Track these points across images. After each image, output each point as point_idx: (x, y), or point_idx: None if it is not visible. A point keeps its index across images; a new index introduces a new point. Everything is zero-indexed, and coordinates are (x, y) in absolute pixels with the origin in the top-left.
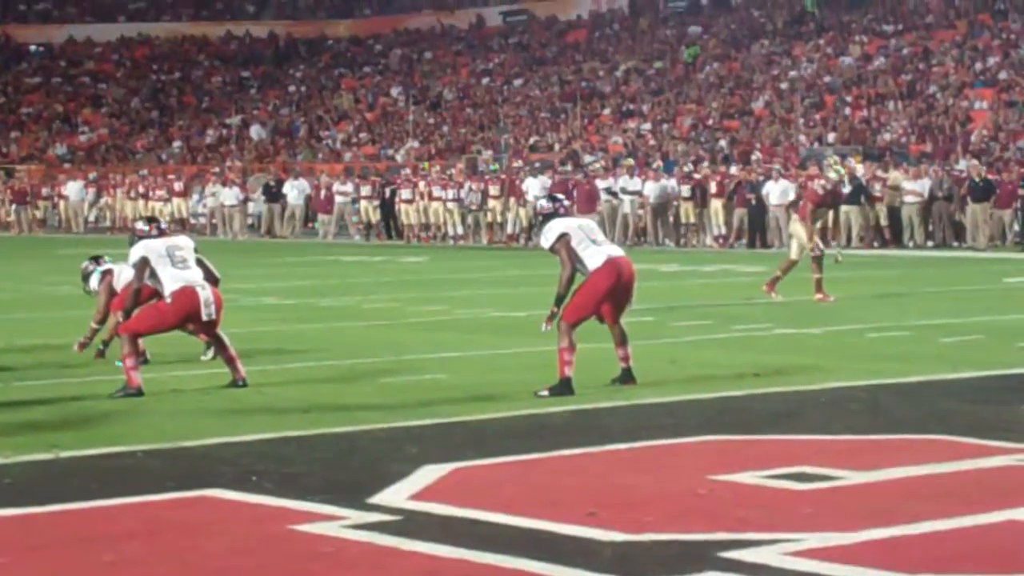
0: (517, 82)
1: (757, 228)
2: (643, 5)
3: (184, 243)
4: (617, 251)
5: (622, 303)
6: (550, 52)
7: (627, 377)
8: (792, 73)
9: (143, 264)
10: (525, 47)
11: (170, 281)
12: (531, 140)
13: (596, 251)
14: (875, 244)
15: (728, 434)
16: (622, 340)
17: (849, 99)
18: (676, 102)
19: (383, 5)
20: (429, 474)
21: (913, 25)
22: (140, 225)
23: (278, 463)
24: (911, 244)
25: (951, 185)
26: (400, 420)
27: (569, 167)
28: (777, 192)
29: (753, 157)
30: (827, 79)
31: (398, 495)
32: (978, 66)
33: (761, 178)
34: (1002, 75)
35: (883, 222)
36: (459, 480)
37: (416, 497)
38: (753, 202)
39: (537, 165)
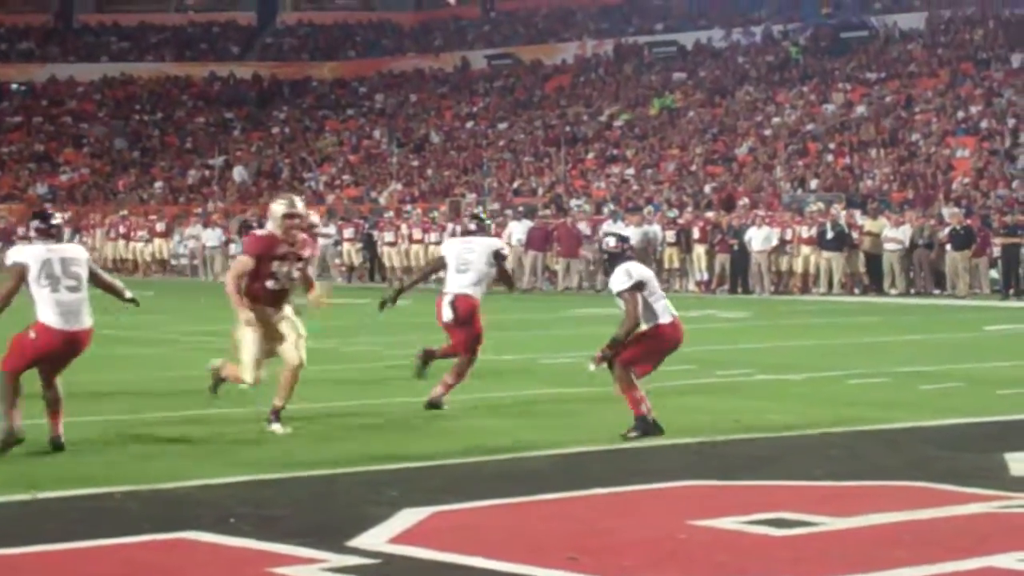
0: (501, 126)
1: (739, 273)
2: (628, 51)
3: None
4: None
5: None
6: (535, 96)
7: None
8: (775, 120)
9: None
10: (510, 91)
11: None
12: (515, 184)
13: (665, 305)
14: (856, 291)
15: (708, 479)
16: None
17: (832, 146)
18: (660, 147)
19: (368, 48)
20: (409, 517)
21: (896, 73)
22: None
23: (257, 506)
24: (892, 291)
25: (932, 233)
26: (380, 463)
27: (551, 211)
28: (760, 238)
29: (740, 203)
30: (810, 126)
31: (378, 538)
32: (960, 114)
33: (744, 224)
34: (984, 124)
35: (863, 269)
36: (439, 524)
37: (396, 540)
38: (735, 247)
39: (521, 209)
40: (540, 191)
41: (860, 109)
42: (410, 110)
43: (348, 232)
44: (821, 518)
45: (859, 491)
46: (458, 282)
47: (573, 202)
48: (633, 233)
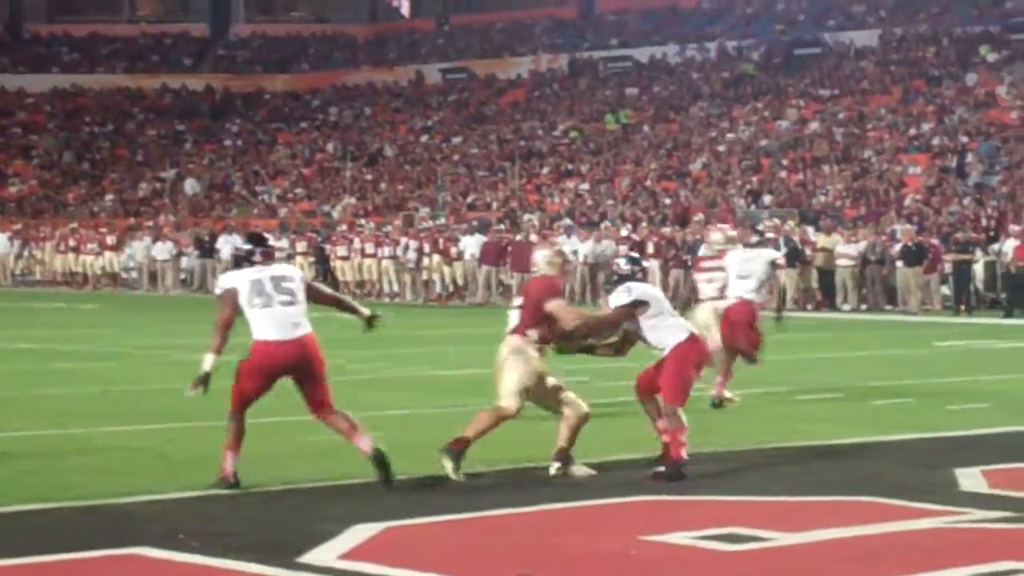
0: (456, 140)
1: (693, 288)
2: (582, 66)
3: None
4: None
5: None
6: (489, 110)
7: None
8: (729, 135)
9: None
10: (464, 105)
11: None
12: (469, 198)
13: (678, 323)
14: (809, 307)
15: (660, 495)
16: (661, 412)
17: (785, 162)
18: (614, 162)
19: (322, 60)
20: (360, 533)
21: (849, 90)
22: None
23: (206, 521)
24: (844, 307)
25: (884, 249)
26: (331, 478)
27: (504, 226)
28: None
29: (694, 219)
30: (764, 142)
31: (328, 554)
32: (912, 131)
33: (698, 239)
34: (936, 141)
35: (815, 284)
36: (391, 539)
37: (347, 556)
38: (689, 263)
39: (475, 223)
40: (494, 205)
41: (813, 125)
42: (364, 123)
43: (301, 246)
44: (773, 533)
45: (810, 506)
46: (741, 287)
47: (526, 216)
48: (585, 248)
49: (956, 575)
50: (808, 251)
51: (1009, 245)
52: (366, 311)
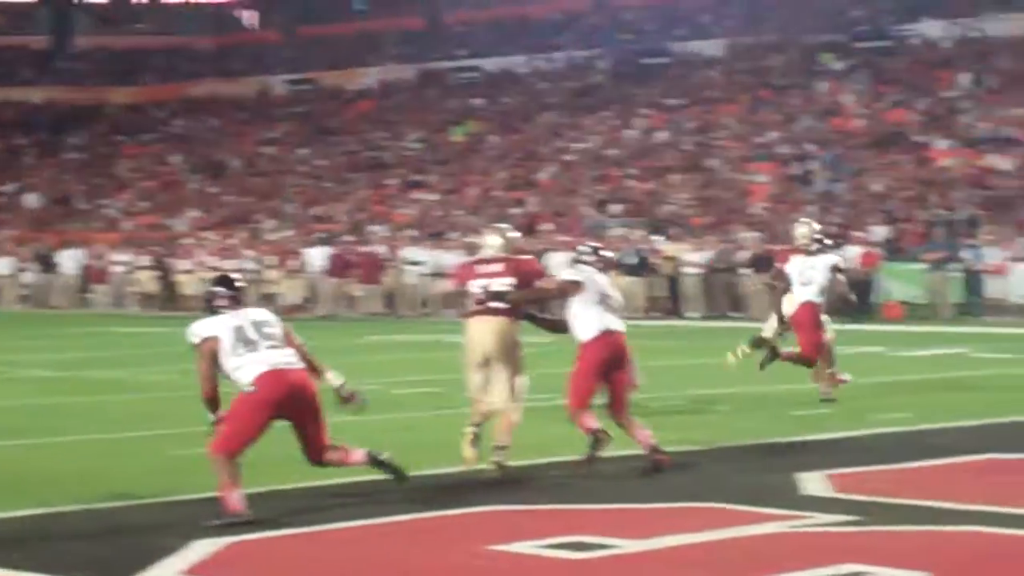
0: (302, 151)
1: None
2: (430, 77)
3: None
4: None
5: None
6: (336, 122)
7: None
8: (578, 145)
9: None
10: (311, 116)
11: None
12: (315, 210)
13: (600, 318)
14: (656, 315)
15: (507, 504)
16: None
17: (633, 171)
18: (462, 173)
19: (165, 73)
20: (203, 549)
21: (696, 99)
22: None
23: (45, 539)
24: (691, 315)
25: (730, 257)
26: (172, 494)
27: (352, 238)
28: (562, 263)
29: (542, 228)
30: (612, 151)
31: (169, 570)
32: (758, 140)
33: (547, 248)
34: (782, 149)
35: (663, 293)
36: (234, 554)
37: (189, 572)
38: None
39: (323, 236)
40: (342, 217)
41: (661, 135)
42: (209, 136)
43: (144, 259)
44: (619, 541)
45: (656, 513)
46: (803, 293)
47: (374, 228)
48: (430, 258)
49: None
50: (656, 260)
51: (853, 252)
52: (336, 381)
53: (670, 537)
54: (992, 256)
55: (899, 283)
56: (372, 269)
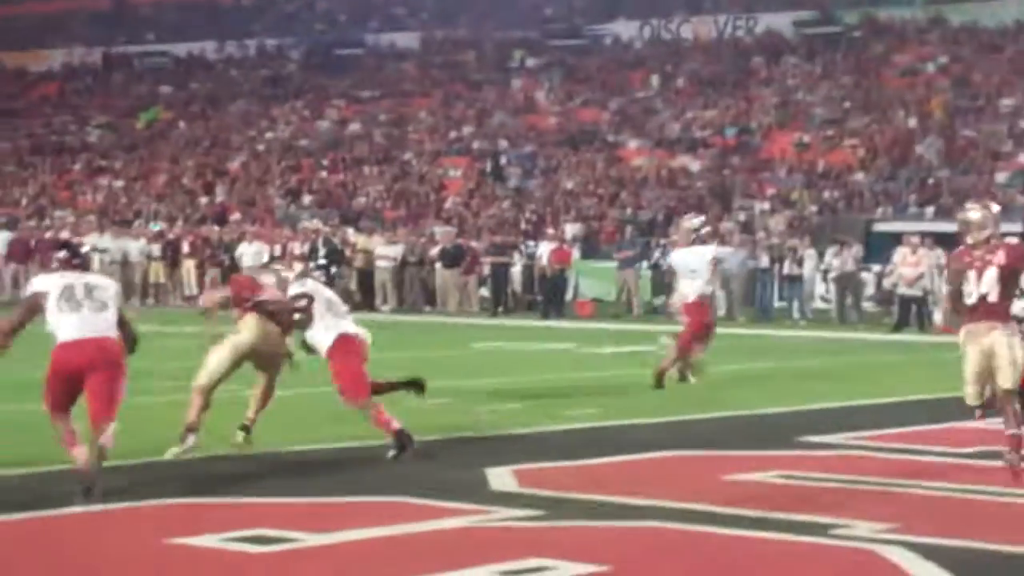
0: None
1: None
2: (117, 60)
3: None
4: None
5: None
6: (19, 104)
7: None
8: (269, 134)
9: None
10: None
11: None
12: None
13: (335, 324)
14: (347, 307)
15: (188, 496)
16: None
17: (326, 162)
18: (150, 160)
19: None
20: None
21: (390, 92)
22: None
23: None
24: (384, 308)
25: (423, 251)
26: None
27: (34, 223)
28: (251, 253)
29: (232, 218)
30: (304, 142)
31: None
32: (453, 134)
33: (235, 239)
34: (476, 144)
35: (354, 286)
36: None
37: None
38: (226, 263)
39: (3, 220)
40: (23, 202)
41: (354, 126)
42: None
43: None
44: (301, 534)
45: (340, 507)
46: (691, 284)
47: (57, 213)
48: (114, 245)
49: (481, 573)
50: (348, 252)
51: (545, 248)
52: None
53: (353, 531)
54: None
55: (591, 281)
56: (50, 255)
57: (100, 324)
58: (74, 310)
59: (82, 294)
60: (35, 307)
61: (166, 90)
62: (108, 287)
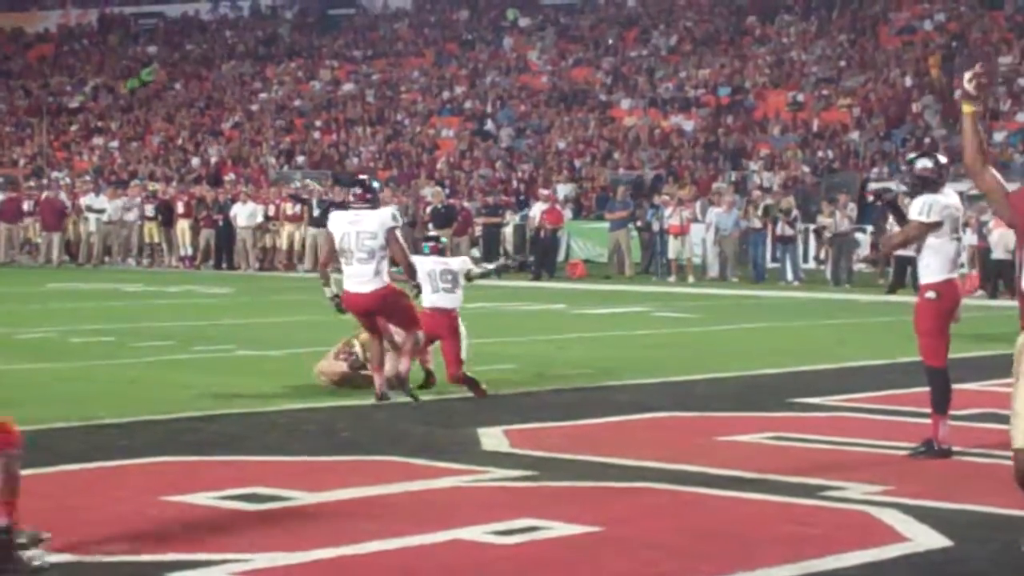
0: None
1: (224, 249)
2: (113, 21)
3: None
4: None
5: None
6: (16, 65)
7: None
8: (263, 95)
9: None
10: None
11: None
12: None
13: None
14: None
15: (183, 455)
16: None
17: (319, 123)
18: (145, 120)
19: None
20: None
21: (383, 52)
22: None
23: None
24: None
25: (415, 211)
26: None
27: (33, 183)
28: (245, 214)
29: (226, 178)
30: (297, 102)
31: None
32: (445, 95)
33: (229, 199)
34: (468, 104)
35: None
36: None
37: None
38: (221, 223)
39: (1, 180)
40: (22, 162)
41: (347, 87)
42: None
43: None
44: (295, 493)
45: (334, 466)
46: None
47: (55, 174)
48: (113, 206)
49: (472, 532)
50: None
51: (538, 208)
52: None
53: (347, 490)
54: (673, 217)
55: (582, 241)
56: (53, 215)
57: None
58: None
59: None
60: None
61: (160, 50)
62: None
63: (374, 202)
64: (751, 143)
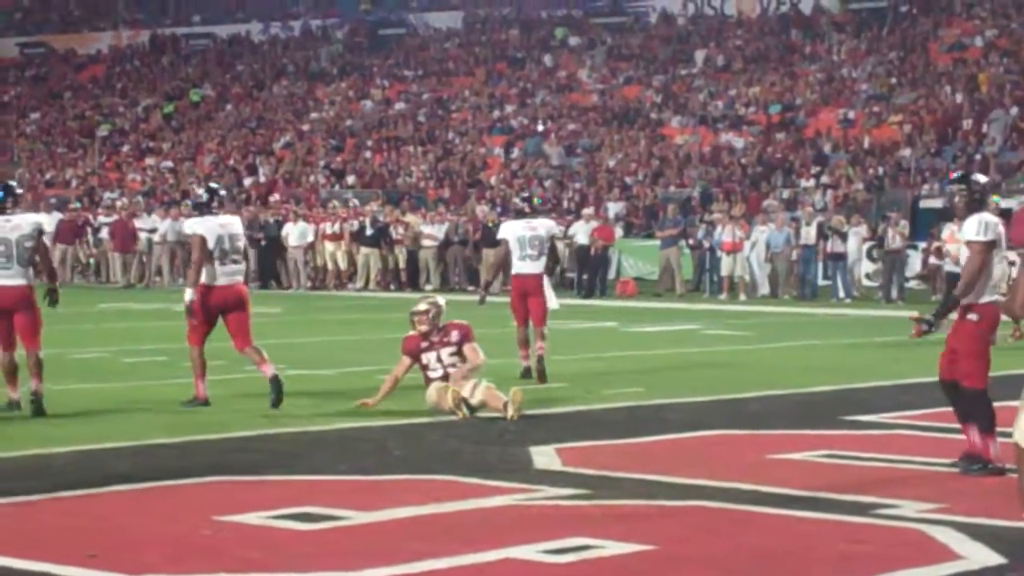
0: (33, 115)
1: (273, 268)
2: (164, 42)
3: None
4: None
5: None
6: (68, 86)
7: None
8: (314, 115)
9: None
10: (43, 80)
11: None
12: (47, 175)
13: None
14: (392, 287)
15: (235, 475)
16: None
17: (370, 143)
18: (197, 140)
19: None
20: None
21: (433, 71)
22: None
23: None
24: (427, 287)
25: (467, 230)
26: None
27: (80, 205)
28: (296, 233)
29: (272, 198)
30: (348, 122)
31: None
32: (496, 113)
33: (279, 219)
34: (517, 123)
35: (401, 265)
36: None
37: None
38: (262, 243)
39: (53, 201)
40: (74, 183)
41: (398, 106)
42: None
43: None
44: (347, 512)
45: (385, 485)
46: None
47: (107, 195)
48: (164, 226)
49: (525, 551)
50: (393, 232)
51: (581, 227)
52: None
53: (400, 509)
54: (726, 234)
55: (633, 259)
56: (125, 237)
57: None
58: None
59: None
60: None
61: (212, 71)
62: None
63: None
64: (801, 161)
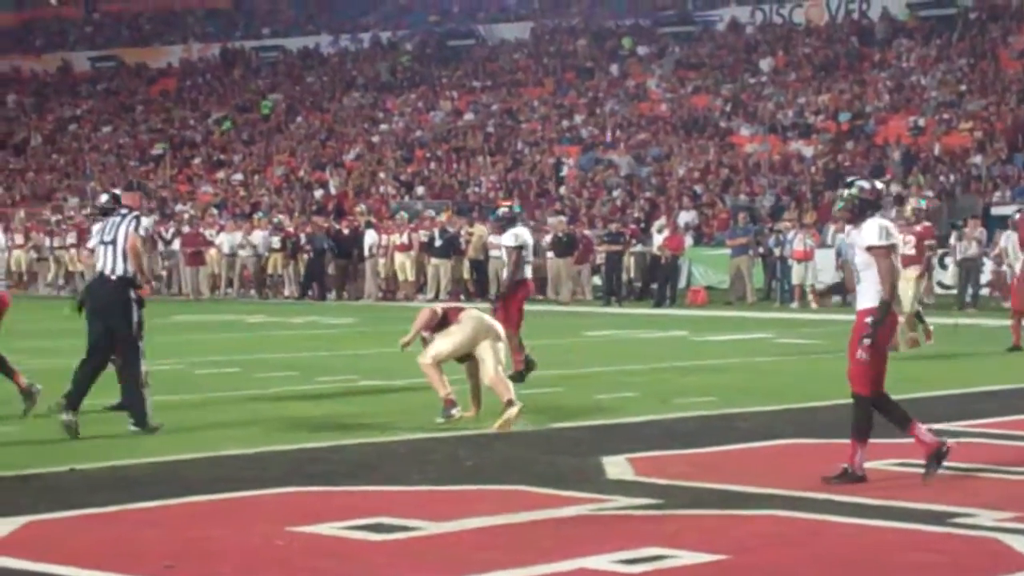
0: (105, 129)
1: (350, 280)
2: (234, 55)
3: None
4: None
5: None
6: (140, 99)
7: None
8: (383, 126)
9: None
10: (114, 93)
11: None
12: (118, 189)
13: None
14: (462, 297)
15: (309, 485)
16: None
17: (439, 153)
18: (268, 152)
19: None
20: (0, 528)
21: (502, 82)
22: None
23: None
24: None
25: (536, 240)
26: None
27: (156, 216)
28: (367, 244)
29: (357, 209)
30: (418, 133)
31: None
32: (565, 123)
33: (352, 230)
34: (587, 132)
35: (468, 275)
36: (32, 533)
37: None
38: (330, 256)
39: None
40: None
41: (467, 117)
42: (10, 112)
43: None
44: (420, 522)
45: (457, 495)
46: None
47: (178, 207)
48: (231, 240)
49: (599, 561)
50: (463, 242)
51: (659, 236)
52: None
53: (473, 519)
54: (796, 242)
55: (704, 268)
56: (195, 249)
57: None
58: None
59: None
60: None
61: (282, 83)
62: None
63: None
64: (871, 168)
